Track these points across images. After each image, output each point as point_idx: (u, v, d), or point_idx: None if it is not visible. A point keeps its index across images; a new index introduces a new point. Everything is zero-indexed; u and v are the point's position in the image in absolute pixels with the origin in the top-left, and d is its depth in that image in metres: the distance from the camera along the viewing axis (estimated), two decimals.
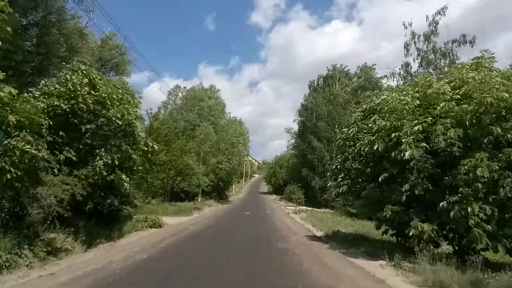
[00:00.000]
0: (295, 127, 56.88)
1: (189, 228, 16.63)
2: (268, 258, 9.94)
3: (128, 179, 12.29)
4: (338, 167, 13.21)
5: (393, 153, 9.84)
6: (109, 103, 11.84)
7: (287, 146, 66.43)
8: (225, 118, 42.10)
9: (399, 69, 30.10)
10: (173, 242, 12.10)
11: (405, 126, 9.72)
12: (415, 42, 29.26)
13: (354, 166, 12.74)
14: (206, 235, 14.62)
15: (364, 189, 12.01)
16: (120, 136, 12.53)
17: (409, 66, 30.15)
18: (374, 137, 10.61)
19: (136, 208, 16.18)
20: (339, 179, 12.84)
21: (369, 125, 11.60)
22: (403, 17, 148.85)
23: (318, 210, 33.44)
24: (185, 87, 41.04)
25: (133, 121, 12.76)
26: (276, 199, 51.63)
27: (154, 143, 15.32)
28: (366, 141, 11.27)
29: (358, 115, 12.73)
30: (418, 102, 10.33)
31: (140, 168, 15.49)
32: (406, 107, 10.11)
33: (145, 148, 13.66)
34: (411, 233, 9.33)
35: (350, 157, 12.84)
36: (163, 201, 27.67)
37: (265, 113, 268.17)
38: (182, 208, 24.21)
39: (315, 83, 50.72)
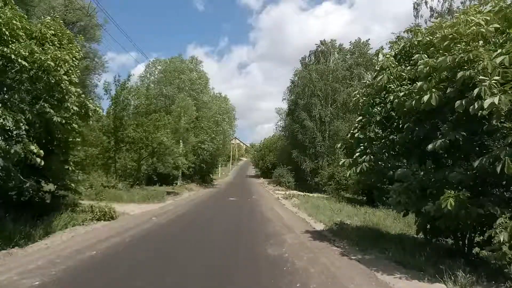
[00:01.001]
0: (285, 106, 52.97)
1: (150, 221, 12.53)
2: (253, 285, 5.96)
3: (42, 152, 8.03)
4: (357, 135, 9.11)
5: (458, 104, 5.81)
6: (8, 34, 7.51)
7: (275, 127, 62.50)
8: (208, 94, 37.64)
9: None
10: (108, 249, 7.94)
11: (482, 59, 5.65)
12: (426, 2, 25.08)
13: (380, 135, 8.70)
14: (167, 233, 10.54)
15: (397, 168, 8.03)
16: (37, 88, 8.33)
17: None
18: (422, 83, 6.53)
19: (79, 194, 12.09)
20: (357, 153, 8.77)
21: (410, 69, 7.54)
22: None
23: (310, 195, 29.74)
24: (164, 60, 36.39)
25: (60, 68, 8.53)
26: (264, 183, 47.84)
27: (97, 105, 11.05)
28: (405, 93, 7.25)
29: (388, 57, 8.49)
30: (496, 25, 6.24)
31: (78, 141, 11.17)
32: (483, 29, 6.02)
33: (77, 109, 9.33)
34: (496, 239, 5.45)
35: (373, 121, 8.75)
36: (132, 185, 23.50)
37: (255, 96, 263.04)
38: (152, 193, 20.07)
39: (307, 59, 46.42)
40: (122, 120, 21.61)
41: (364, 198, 26.99)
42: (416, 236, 9.49)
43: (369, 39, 48.31)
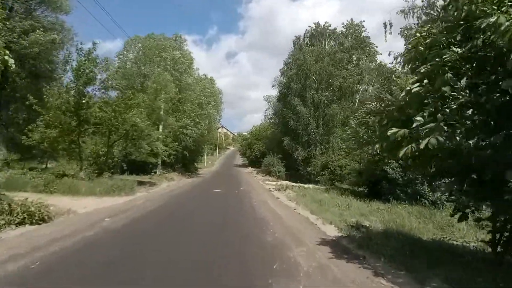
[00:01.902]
0: (275, 93, 49.25)
1: (99, 224, 8.81)
2: None
3: None
4: (416, 89, 5.43)
5: None
6: None
7: (264, 116, 58.92)
8: (192, 76, 33.64)
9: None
10: None
11: None
12: None
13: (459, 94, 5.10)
14: (112, 247, 6.84)
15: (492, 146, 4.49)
16: None
17: None
18: None
19: None
20: (418, 121, 5.14)
21: None
22: None
23: (305, 186, 26.34)
24: (144, 36, 32.09)
25: None
26: (253, 172, 44.35)
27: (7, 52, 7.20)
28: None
29: None
30: None
31: None
32: None
33: None
34: None
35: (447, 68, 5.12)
36: (100, 174, 19.66)
37: (243, 85, 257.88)
38: (120, 184, 16.28)
39: (301, 40, 42.71)
40: (85, 97, 17.63)
41: (365, 190, 23.81)
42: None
43: (363, 20, 44.63)
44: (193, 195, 17.73)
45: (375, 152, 18.27)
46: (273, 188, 23.65)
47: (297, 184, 26.64)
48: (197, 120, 29.99)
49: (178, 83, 31.05)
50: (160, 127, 27.78)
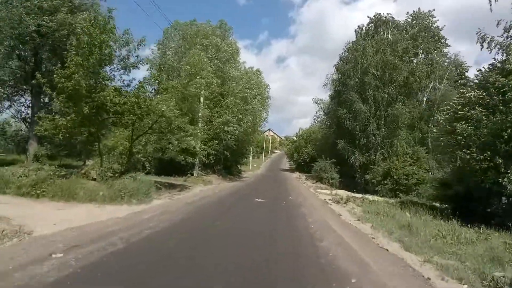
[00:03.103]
0: (325, 96, 43.83)
1: (24, 273, 4.50)
2: None
3: None
4: None
5: None
6: None
7: (314, 119, 53.53)
8: (237, 68, 29.45)
9: None
10: None
11: None
12: None
13: None
14: None
15: None
16: None
17: None
18: None
19: None
20: None
21: None
22: None
23: (370, 197, 20.90)
24: (185, 22, 28.47)
25: None
26: (301, 178, 39.24)
27: None
28: None
29: None
30: None
31: None
32: None
33: None
34: None
35: None
36: (122, 173, 15.98)
37: (293, 90, 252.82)
38: (131, 188, 12.14)
39: (364, 28, 37.02)
40: (98, 77, 13.91)
41: (447, 206, 17.98)
42: None
43: (433, 9, 37.84)
44: (227, 207, 13.17)
45: (482, 157, 12.67)
46: (329, 200, 18.56)
47: (359, 195, 21.27)
48: (240, 116, 25.64)
49: (220, 74, 27.01)
50: (199, 121, 23.84)
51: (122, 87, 15.82)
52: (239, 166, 36.36)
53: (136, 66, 15.50)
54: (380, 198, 22.09)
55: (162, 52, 27.29)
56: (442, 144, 16.23)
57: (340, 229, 9.90)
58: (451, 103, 15.72)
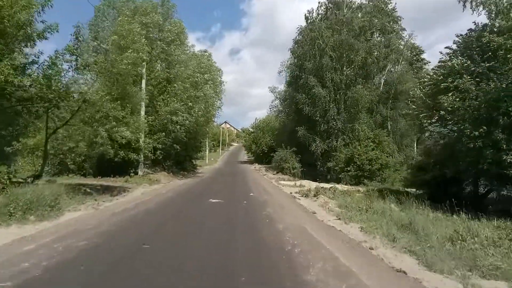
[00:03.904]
0: (281, 86, 41.12)
1: None
2: None
3: None
4: None
5: None
6: None
7: (270, 108, 50.89)
8: (185, 53, 25.66)
9: None
10: None
11: None
12: None
13: None
14: None
15: None
16: None
17: None
18: None
19: None
20: None
21: None
22: None
23: (339, 187, 18.48)
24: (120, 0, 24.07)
25: None
26: (261, 169, 36.51)
27: None
28: None
29: None
30: None
31: None
32: None
33: None
34: None
35: None
36: (36, 177, 12.16)
37: (246, 82, 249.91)
38: (30, 197, 8.43)
39: (315, 13, 34.52)
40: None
41: (423, 192, 16.03)
42: None
43: None
44: (169, 215, 9.73)
45: (477, 133, 10.45)
46: (296, 193, 15.85)
47: (327, 185, 18.79)
48: (191, 103, 22.08)
49: (165, 57, 23.23)
50: (142, 111, 20.04)
51: (26, 65, 11.88)
52: (193, 161, 32.76)
53: (43, 36, 11.57)
54: (351, 188, 19.82)
55: (94, 34, 22.86)
56: (422, 122, 13.98)
57: (324, 239, 7.03)
58: (431, 74, 13.48)
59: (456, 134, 11.61)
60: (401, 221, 8.09)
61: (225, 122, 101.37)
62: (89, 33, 23.03)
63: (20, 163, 21.24)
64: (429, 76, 14.09)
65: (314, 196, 14.44)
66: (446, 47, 13.80)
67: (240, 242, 6.68)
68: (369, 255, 6.06)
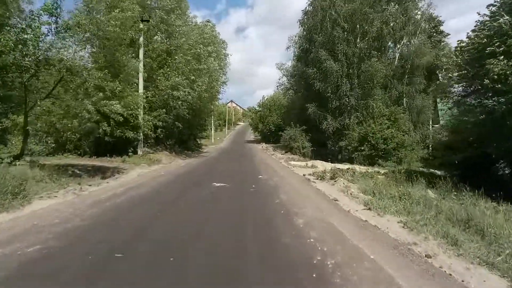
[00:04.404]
0: (292, 56, 38.54)
1: None
2: None
3: None
4: None
5: None
6: None
7: (277, 86, 48.45)
8: (187, 24, 23.39)
9: None
10: None
11: None
12: None
13: None
14: None
15: None
16: None
17: None
18: None
19: None
20: None
21: None
22: None
23: (358, 168, 16.65)
24: None
25: None
26: (268, 149, 34.69)
27: None
28: None
29: None
30: None
31: None
32: None
33: None
34: None
35: None
36: (16, 158, 10.50)
37: (253, 61, 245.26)
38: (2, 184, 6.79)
39: None
40: None
41: (454, 174, 14.03)
42: None
43: None
44: (165, 202, 7.98)
45: None
46: (310, 175, 14.06)
47: (343, 166, 16.95)
48: (193, 77, 20.09)
49: (165, 28, 21.07)
50: (140, 84, 18.17)
51: None
52: (198, 140, 31.03)
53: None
54: (369, 168, 17.99)
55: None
56: (455, 94, 11.92)
57: (362, 241, 5.23)
58: (471, 40, 11.29)
59: (505, 106, 9.60)
60: (456, 215, 6.25)
61: (231, 101, 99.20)
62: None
63: (13, 142, 19.76)
64: (467, 40, 11.88)
65: (331, 179, 12.63)
66: (489, 5, 11.53)
67: (250, 248, 4.90)
68: (432, 268, 4.26)
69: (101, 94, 10.58)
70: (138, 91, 17.31)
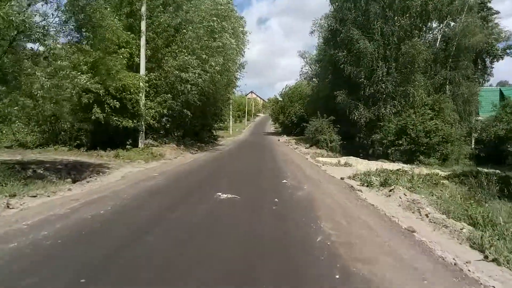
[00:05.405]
0: (317, 36, 34.32)
1: None
2: None
3: None
4: None
5: None
6: None
7: (300, 74, 44.46)
8: None
9: None
10: None
11: None
12: None
13: None
14: None
15: None
16: None
17: None
18: None
19: None
20: None
21: None
22: None
23: (417, 169, 12.81)
24: None
25: None
26: (290, 142, 30.87)
27: None
28: None
29: None
30: None
31: None
32: None
33: None
34: None
35: None
36: None
37: (274, 53, 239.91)
38: None
39: None
40: None
41: None
42: None
43: None
44: (121, 247, 4.54)
45: None
46: (348, 178, 10.43)
47: (389, 165, 13.16)
48: (205, 56, 16.66)
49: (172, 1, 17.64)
50: (142, 63, 14.94)
51: None
52: (213, 131, 27.70)
53: None
54: (417, 168, 14.12)
55: None
56: None
57: None
58: None
59: None
60: None
61: (251, 91, 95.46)
62: None
63: (4, 131, 17.11)
64: None
65: (382, 185, 8.95)
66: None
67: None
68: None
69: (59, 62, 7.32)
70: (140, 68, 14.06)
